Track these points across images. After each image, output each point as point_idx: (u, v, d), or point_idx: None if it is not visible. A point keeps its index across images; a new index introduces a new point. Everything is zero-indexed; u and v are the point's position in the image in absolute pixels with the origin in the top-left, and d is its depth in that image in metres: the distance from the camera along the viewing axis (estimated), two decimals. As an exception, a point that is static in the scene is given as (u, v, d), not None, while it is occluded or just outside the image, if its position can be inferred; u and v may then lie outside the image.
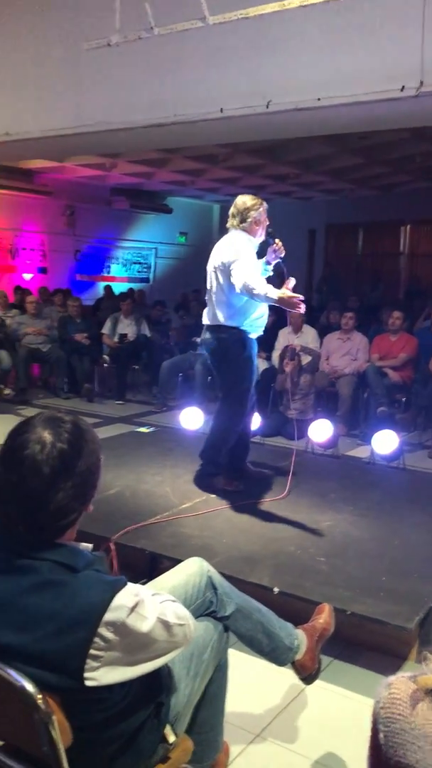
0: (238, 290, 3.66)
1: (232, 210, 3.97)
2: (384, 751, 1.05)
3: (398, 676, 1.10)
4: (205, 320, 4.04)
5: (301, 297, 3.57)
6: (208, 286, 4.01)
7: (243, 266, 3.68)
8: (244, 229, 3.90)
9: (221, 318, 3.89)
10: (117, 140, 6.70)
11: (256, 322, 3.96)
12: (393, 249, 14.03)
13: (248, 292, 3.60)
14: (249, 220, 3.89)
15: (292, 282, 3.69)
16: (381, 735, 1.06)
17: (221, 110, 5.61)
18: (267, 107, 5.42)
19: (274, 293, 3.54)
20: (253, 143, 8.08)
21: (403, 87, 4.84)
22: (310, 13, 4.94)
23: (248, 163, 9.57)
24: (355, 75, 5.01)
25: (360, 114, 5.46)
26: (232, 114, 5.60)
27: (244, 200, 3.94)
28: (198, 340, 6.39)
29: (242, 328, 3.90)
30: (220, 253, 3.88)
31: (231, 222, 3.96)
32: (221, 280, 3.85)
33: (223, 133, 6.41)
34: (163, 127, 6.01)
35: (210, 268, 3.98)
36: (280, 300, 3.53)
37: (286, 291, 3.57)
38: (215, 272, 3.89)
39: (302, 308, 3.57)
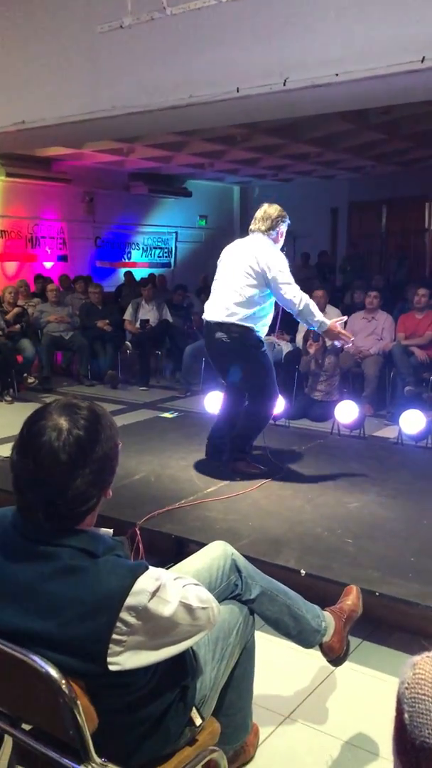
0: (295, 307, 3.75)
1: (261, 215, 3.95)
2: (409, 732, 1.03)
3: (423, 656, 1.08)
4: (213, 316, 3.90)
5: (352, 337, 3.98)
6: (223, 279, 3.91)
7: (291, 280, 3.77)
8: (271, 237, 3.92)
9: (236, 316, 3.82)
10: (133, 124, 6.65)
11: (265, 327, 4.00)
12: (418, 225, 13.78)
13: (305, 314, 3.76)
14: (277, 229, 3.94)
15: (344, 319, 4.07)
16: (406, 715, 1.04)
17: (237, 90, 5.52)
18: (284, 85, 5.32)
19: (327, 323, 3.83)
20: (272, 122, 7.97)
21: (424, 58, 4.71)
22: (325, -15, 4.84)
23: (267, 143, 9.45)
24: (373, 48, 4.89)
25: (380, 88, 5.34)
26: (248, 93, 5.51)
27: (276, 208, 3.97)
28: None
29: (254, 327, 3.89)
30: (249, 254, 3.81)
31: (258, 225, 3.93)
32: (251, 281, 3.78)
33: (241, 112, 6.32)
34: (179, 109, 5.94)
35: (232, 262, 3.89)
36: (329, 331, 3.86)
37: (337, 325, 3.88)
38: (245, 272, 3.79)
39: (348, 343, 3.98)
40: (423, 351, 6.51)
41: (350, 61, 4.99)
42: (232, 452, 4.11)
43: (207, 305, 4.01)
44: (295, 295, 3.73)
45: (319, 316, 3.78)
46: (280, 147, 9.83)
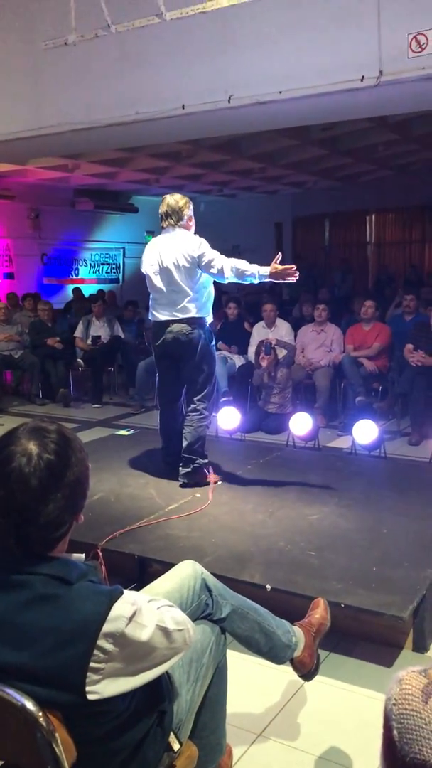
0: (226, 276, 3.83)
1: (165, 210, 4.05)
2: (399, 748, 1.03)
3: (408, 671, 1.08)
4: (168, 316, 4.02)
5: (293, 266, 3.77)
6: (160, 287, 4.02)
7: (216, 254, 3.89)
8: (182, 227, 4.04)
9: (193, 311, 3.98)
10: (78, 141, 6.62)
11: (210, 310, 4.14)
12: (360, 239, 14.11)
13: (239, 274, 3.81)
14: (185, 217, 4.05)
15: (279, 256, 3.85)
16: (395, 732, 1.04)
17: (183, 106, 5.58)
18: (229, 102, 5.40)
19: (265, 269, 3.77)
20: (216, 139, 8.06)
21: (363, 77, 4.85)
22: (268, 5, 4.94)
23: (212, 159, 9.54)
24: (315, 67, 5.01)
25: (322, 105, 5.47)
26: (194, 110, 5.58)
27: (176, 199, 4.07)
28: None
29: (206, 317, 4.06)
30: (174, 251, 3.95)
31: (167, 222, 4.05)
32: (185, 275, 3.94)
33: (186, 129, 6.37)
34: (125, 125, 5.95)
35: (156, 268, 4.01)
36: (273, 274, 3.76)
37: (275, 265, 3.76)
38: (175, 270, 3.93)
39: (296, 276, 3.76)
40: (371, 362, 6.63)
41: (293, 79, 5.10)
42: (196, 461, 4.12)
43: (158, 308, 4.09)
44: (223, 266, 3.82)
45: (251, 269, 3.79)
46: (224, 163, 9.94)
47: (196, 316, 4.00)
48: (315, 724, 2.39)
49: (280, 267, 3.74)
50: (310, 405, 6.69)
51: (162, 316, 4.06)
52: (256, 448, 5.26)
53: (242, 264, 3.82)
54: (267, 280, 3.81)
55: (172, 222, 4.03)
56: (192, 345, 4.00)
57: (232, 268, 3.80)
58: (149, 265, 4.08)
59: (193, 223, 4.12)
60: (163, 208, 4.07)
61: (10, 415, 7.45)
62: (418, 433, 6.01)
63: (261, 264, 3.87)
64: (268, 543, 3.27)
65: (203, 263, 3.88)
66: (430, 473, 4.75)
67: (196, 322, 4.00)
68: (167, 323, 4.03)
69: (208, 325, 4.10)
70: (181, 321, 4.00)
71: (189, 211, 4.07)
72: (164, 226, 4.08)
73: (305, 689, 2.55)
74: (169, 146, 8.37)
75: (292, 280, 3.78)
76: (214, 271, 3.86)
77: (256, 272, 3.77)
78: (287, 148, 9.13)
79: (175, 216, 4.02)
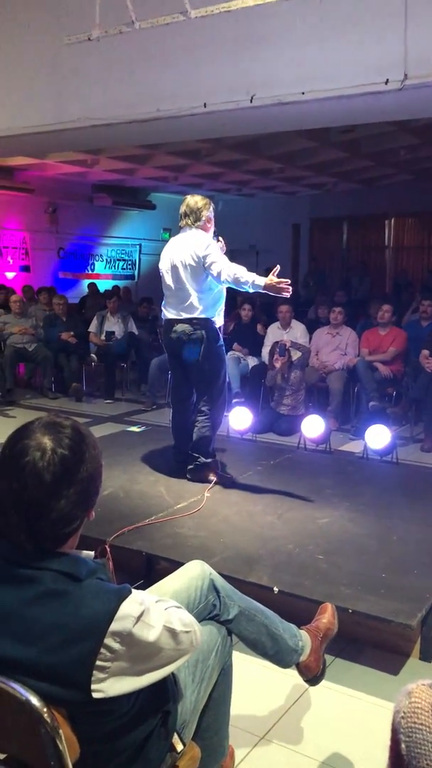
0: (223, 279, 3.83)
1: (184, 209, 4.09)
2: (406, 762, 1.02)
3: (418, 684, 1.07)
4: (174, 315, 4.05)
5: (288, 281, 3.72)
6: (170, 284, 4.06)
7: (221, 257, 3.90)
8: (199, 227, 4.06)
9: (197, 310, 3.99)
10: (99, 136, 6.63)
11: (221, 312, 4.13)
12: (378, 242, 14.05)
13: (234, 280, 3.79)
14: (203, 218, 4.06)
15: (278, 268, 3.81)
16: (403, 746, 1.03)
17: (205, 105, 5.56)
18: (251, 102, 5.38)
19: (261, 280, 3.73)
20: (235, 138, 8.05)
21: (388, 80, 4.82)
22: (293, 6, 4.90)
23: (231, 158, 9.53)
24: (339, 68, 4.98)
25: (344, 107, 5.43)
26: (215, 109, 5.56)
27: (195, 200, 4.10)
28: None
29: (213, 318, 4.05)
30: (184, 250, 3.98)
31: (185, 221, 4.08)
32: (191, 274, 3.96)
33: (207, 128, 6.36)
34: (146, 122, 5.95)
35: (168, 266, 4.06)
36: (267, 286, 3.72)
37: (272, 277, 3.72)
38: (182, 269, 3.97)
39: (289, 291, 3.72)
40: (386, 366, 6.59)
41: (316, 80, 5.07)
42: (200, 459, 4.12)
43: (167, 306, 4.13)
44: (221, 270, 3.82)
45: (247, 277, 3.75)
46: (244, 162, 9.93)
47: (201, 316, 3.99)
48: (318, 728, 2.37)
49: (275, 280, 3.70)
50: (323, 408, 6.67)
51: (170, 314, 4.10)
52: (267, 450, 5.24)
53: (240, 271, 3.80)
54: (261, 291, 3.77)
55: (189, 222, 4.06)
56: (196, 347, 4.00)
57: (229, 273, 3.80)
58: (163, 264, 4.13)
59: (211, 225, 4.13)
60: (182, 208, 4.10)
61: (22, 408, 7.48)
62: (431, 439, 5.97)
63: (278, 261, 3.83)
64: (277, 545, 3.25)
65: (206, 264, 3.90)
66: (442, 480, 4.71)
67: (200, 323, 4.00)
68: (174, 322, 4.06)
69: (216, 326, 4.08)
70: (185, 321, 4.02)
71: (208, 213, 4.08)
72: (182, 225, 4.11)
73: (309, 693, 2.53)
74: (188, 144, 8.37)
75: (286, 294, 3.74)
76: (213, 273, 3.88)
77: (251, 281, 3.74)
78: (307, 149, 9.10)
79: (192, 216, 4.05)
